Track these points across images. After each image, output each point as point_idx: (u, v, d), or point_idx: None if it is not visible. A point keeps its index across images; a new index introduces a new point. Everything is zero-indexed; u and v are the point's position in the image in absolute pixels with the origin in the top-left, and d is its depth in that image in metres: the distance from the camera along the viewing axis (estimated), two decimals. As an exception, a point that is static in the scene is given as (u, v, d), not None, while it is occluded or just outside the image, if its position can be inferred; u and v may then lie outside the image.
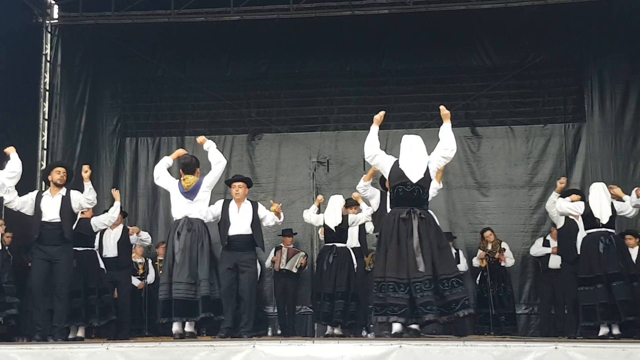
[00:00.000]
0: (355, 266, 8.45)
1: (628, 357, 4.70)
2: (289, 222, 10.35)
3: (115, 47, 10.83)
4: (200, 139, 6.84)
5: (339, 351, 4.99)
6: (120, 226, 8.56)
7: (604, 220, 7.22)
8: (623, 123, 10.33)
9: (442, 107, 6.18)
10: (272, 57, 11.10)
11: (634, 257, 8.64)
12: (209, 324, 6.39)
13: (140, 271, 9.69)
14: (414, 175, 5.81)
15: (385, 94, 10.84)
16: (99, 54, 10.97)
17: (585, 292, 7.16)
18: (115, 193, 8.09)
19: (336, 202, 8.41)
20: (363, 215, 8.35)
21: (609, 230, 7.25)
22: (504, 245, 9.72)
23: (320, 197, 8.82)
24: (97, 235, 8.07)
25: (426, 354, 4.92)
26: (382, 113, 6.16)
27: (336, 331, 8.19)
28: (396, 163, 5.92)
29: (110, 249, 8.37)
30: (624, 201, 7.30)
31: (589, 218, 7.33)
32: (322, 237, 8.96)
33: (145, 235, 8.73)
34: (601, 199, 7.28)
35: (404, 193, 5.79)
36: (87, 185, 6.93)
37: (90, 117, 10.84)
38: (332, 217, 8.28)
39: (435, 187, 6.64)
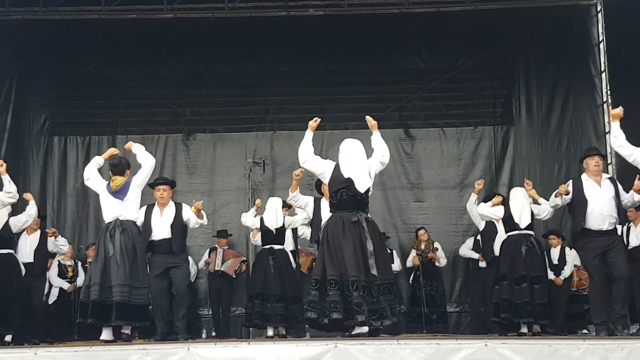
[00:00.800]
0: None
1: (554, 353, 4.88)
2: (224, 223, 10.33)
3: (43, 44, 10.51)
4: (127, 145, 6.74)
5: (275, 352, 4.99)
6: (38, 232, 8.33)
7: (523, 224, 7.51)
8: (549, 127, 10.69)
9: (368, 118, 6.20)
10: (207, 56, 11.00)
11: (555, 256, 9.05)
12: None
13: (70, 274, 9.44)
14: (361, 184, 5.83)
15: (321, 95, 10.89)
16: (27, 50, 10.61)
17: (505, 288, 7.42)
18: (27, 195, 7.81)
19: (277, 204, 8.38)
20: (299, 218, 8.36)
21: (529, 232, 7.52)
22: (436, 245, 9.92)
23: (258, 201, 8.78)
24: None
25: (361, 353, 4.97)
26: (317, 120, 6.09)
27: (277, 332, 8.14)
28: (337, 167, 5.91)
29: (26, 255, 8.13)
30: (539, 204, 7.58)
31: (509, 221, 7.60)
32: (253, 240, 8.91)
33: (62, 241, 8.46)
34: (521, 204, 7.55)
35: (347, 197, 5.80)
36: (5, 178, 6.72)
37: (17, 116, 10.45)
38: (274, 218, 8.23)
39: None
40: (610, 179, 6.74)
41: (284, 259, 8.18)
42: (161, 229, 6.78)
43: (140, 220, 6.62)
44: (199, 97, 11.06)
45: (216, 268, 9.84)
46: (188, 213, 6.91)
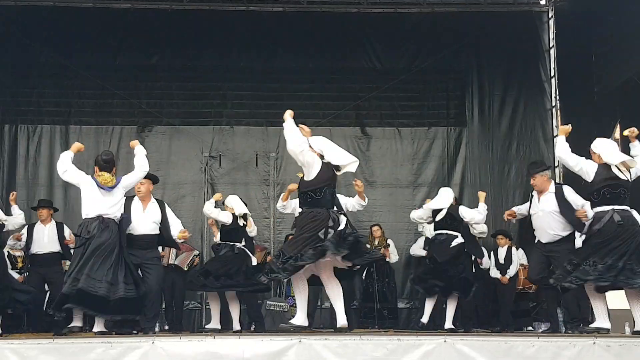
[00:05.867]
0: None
1: (509, 349, 5.10)
2: (179, 216, 10.18)
3: (-5, 30, 10.25)
4: (132, 143, 6.72)
5: (240, 346, 5.06)
6: None
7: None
8: (499, 129, 10.99)
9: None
10: (164, 48, 10.88)
11: (502, 256, 9.36)
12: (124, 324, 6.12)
13: (20, 264, 9.27)
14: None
15: (279, 91, 10.92)
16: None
17: None
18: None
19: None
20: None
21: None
22: (389, 241, 10.10)
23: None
24: None
25: (324, 349, 5.09)
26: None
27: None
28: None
29: None
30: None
31: None
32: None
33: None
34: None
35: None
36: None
37: (-34, 102, 10.20)
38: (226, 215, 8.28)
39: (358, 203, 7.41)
40: (557, 191, 6.91)
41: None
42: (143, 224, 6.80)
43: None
44: (155, 89, 10.94)
45: (170, 262, 9.78)
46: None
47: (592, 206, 6.23)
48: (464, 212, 7.76)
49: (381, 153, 10.95)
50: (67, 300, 5.77)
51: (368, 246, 10.06)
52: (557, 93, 10.66)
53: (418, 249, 9.91)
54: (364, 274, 10.17)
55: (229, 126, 10.83)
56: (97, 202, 6.16)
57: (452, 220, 7.75)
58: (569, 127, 6.51)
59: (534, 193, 7.05)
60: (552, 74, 10.76)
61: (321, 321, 10.14)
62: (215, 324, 7.81)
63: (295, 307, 9.67)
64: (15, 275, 9.04)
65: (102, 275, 5.80)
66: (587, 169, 6.21)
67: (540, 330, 8.87)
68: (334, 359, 5.07)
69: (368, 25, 10.96)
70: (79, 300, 5.70)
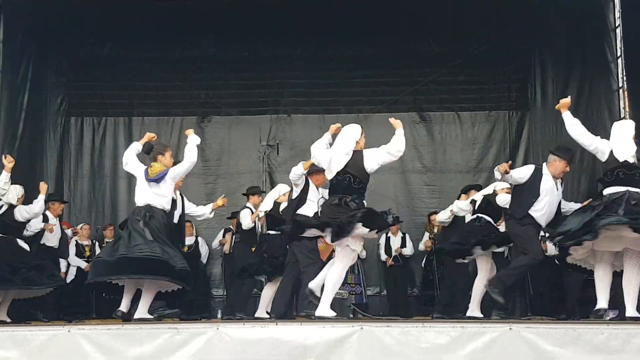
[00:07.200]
0: None
1: (577, 337, 4.97)
2: (238, 204, 10.36)
3: (60, 24, 10.50)
4: (187, 131, 6.76)
5: (302, 333, 5.09)
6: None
7: None
8: (563, 112, 10.67)
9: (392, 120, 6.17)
10: (222, 38, 10.98)
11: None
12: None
13: (87, 253, 9.57)
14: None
15: (336, 78, 10.91)
16: (43, 30, 10.58)
17: None
18: (42, 186, 7.83)
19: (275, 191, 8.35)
20: None
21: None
22: (449, 228, 9.96)
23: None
24: None
25: (387, 335, 5.07)
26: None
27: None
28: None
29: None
30: None
31: None
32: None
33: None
34: None
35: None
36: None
37: (34, 96, 10.41)
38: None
39: None
40: (562, 183, 6.74)
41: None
42: None
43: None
44: (214, 79, 11.09)
45: (231, 250, 9.91)
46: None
47: (605, 186, 6.00)
48: (499, 198, 7.46)
49: (440, 138, 10.83)
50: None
51: (427, 234, 9.98)
52: (624, 74, 10.27)
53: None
54: (424, 262, 10.11)
55: (287, 115, 10.89)
56: (145, 192, 6.22)
57: (487, 205, 7.58)
58: (569, 100, 6.43)
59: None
60: (619, 54, 10.34)
61: (380, 308, 10.13)
62: None
63: (354, 293, 9.82)
64: (82, 264, 9.38)
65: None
66: (601, 148, 6.04)
67: (609, 318, 8.63)
68: (396, 347, 5.03)
69: (425, 9, 10.77)
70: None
